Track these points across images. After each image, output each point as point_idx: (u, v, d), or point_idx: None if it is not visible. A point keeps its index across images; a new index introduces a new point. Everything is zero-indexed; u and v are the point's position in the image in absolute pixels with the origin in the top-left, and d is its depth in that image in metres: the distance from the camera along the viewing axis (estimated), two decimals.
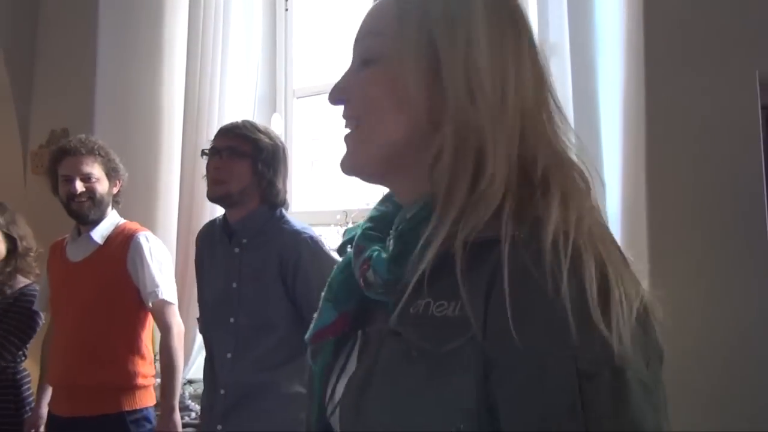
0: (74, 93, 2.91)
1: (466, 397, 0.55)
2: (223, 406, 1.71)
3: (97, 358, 2.03)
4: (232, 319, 1.73)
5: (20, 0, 3.01)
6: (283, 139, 3.01)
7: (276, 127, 3.00)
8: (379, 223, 0.71)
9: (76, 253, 2.15)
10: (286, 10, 3.21)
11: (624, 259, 0.60)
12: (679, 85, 1.62)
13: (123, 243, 2.11)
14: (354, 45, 0.71)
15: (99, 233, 2.13)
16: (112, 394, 2.04)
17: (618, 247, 0.60)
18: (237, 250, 1.76)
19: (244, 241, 1.76)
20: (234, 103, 2.88)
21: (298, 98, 3.20)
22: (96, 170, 2.13)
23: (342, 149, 0.71)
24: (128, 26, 2.90)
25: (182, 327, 2.16)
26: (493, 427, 0.54)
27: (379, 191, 0.79)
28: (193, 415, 2.42)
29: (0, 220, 2.38)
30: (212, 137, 1.91)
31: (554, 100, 0.67)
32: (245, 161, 1.72)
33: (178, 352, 2.09)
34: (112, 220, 2.17)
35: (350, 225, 2.58)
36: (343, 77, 0.70)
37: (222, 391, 1.72)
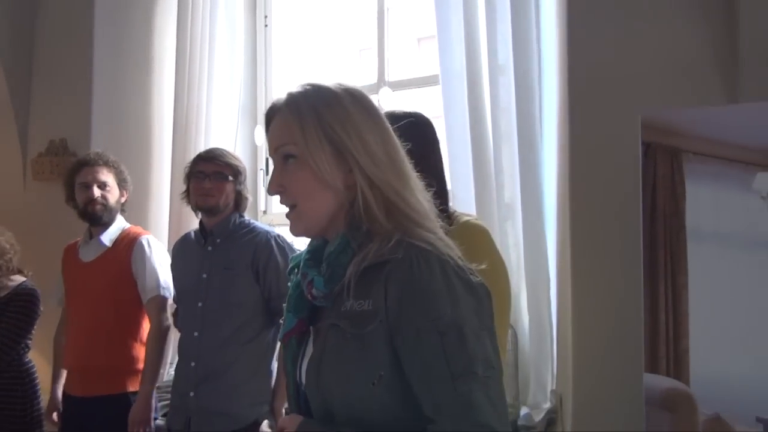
0: (71, 105, 3.14)
1: (382, 356, 0.90)
2: (194, 375, 2.08)
3: (106, 344, 2.33)
4: (200, 304, 2.12)
5: (17, 16, 3.22)
6: (260, 146, 3.36)
7: (259, 137, 3.32)
8: (314, 254, 1.03)
9: (87, 254, 2.45)
10: (266, 26, 3.49)
11: (461, 259, 0.93)
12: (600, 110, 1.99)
13: (128, 245, 2.42)
14: (273, 153, 1.01)
15: (108, 236, 2.43)
16: (119, 376, 2.33)
17: (457, 253, 0.94)
18: (210, 248, 2.16)
19: (218, 240, 2.16)
20: (219, 114, 3.16)
21: None
22: (110, 180, 2.43)
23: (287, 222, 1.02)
24: (122, 41, 3.15)
25: (170, 322, 2.42)
26: (400, 372, 0.90)
27: None
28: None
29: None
30: (195, 156, 2.30)
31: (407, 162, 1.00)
32: (229, 183, 2.15)
33: (163, 344, 2.37)
34: (119, 225, 2.47)
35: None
36: (275, 175, 1.00)
37: (192, 364, 2.10)
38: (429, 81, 2.91)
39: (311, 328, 1.02)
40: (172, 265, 2.32)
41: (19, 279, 2.62)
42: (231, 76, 3.21)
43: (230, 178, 2.16)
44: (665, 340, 1.53)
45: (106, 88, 3.11)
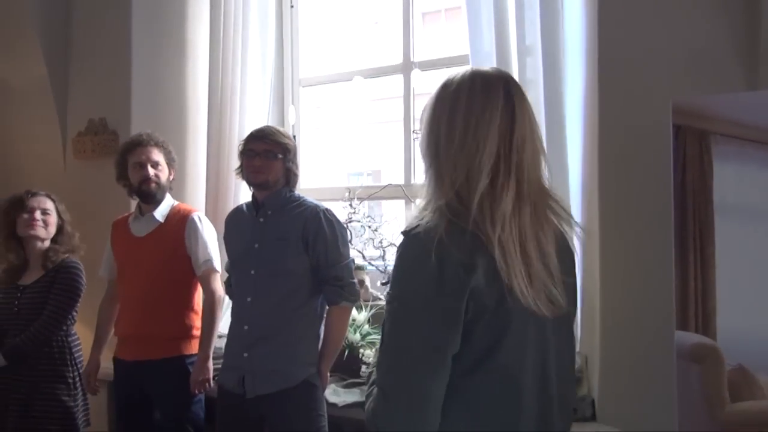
0: (110, 85, 3.25)
1: None
2: (247, 337, 2.23)
3: (161, 313, 2.51)
4: (252, 271, 2.26)
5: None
6: (293, 125, 3.50)
7: (291, 116, 3.45)
8: None
9: (140, 230, 2.61)
10: (292, 6, 3.60)
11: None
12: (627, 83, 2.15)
13: (180, 221, 2.58)
14: None
15: (160, 213, 2.59)
16: (174, 341, 2.52)
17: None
18: (262, 219, 2.30)
19: (269, 212, 2.30)
20: (252, 94, 3.29)
21: (303, 87, 3.64)
22: (161, 159, 2.59)
23: None
24: (157, 22, 3.24)
25: (222, 292, 2.60)
26: None
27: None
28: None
29: (60, 206, 2.78)
30: (248, 134, 2.37)
31: None
32: (278, 160, 2.27)
33: (218, 312, 2.56)
34: (168, 202, 2.63)
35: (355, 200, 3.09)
36: None
37: (246, 327, 2.24)
38: (458, 61, 3.05)
39: None
40: (225, 235, 2.46)
41: (63, 255, 2.75)
42: (263, 57, 3.33)
43: (279, 156, 2.26)
44: (694, 302, 1.72)
45: (144, 68, 3.21)
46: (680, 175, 1.79)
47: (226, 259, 2.55)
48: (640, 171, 2.06)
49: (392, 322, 1.08)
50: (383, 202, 3.53)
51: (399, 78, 3.29)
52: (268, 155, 2.26)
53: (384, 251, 3.16)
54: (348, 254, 2.30)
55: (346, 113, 4.77)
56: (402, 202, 3.28)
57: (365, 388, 1.19)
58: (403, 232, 1.09)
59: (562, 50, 2.52)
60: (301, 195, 2.39)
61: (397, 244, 1.11)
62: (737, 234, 1.73)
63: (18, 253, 2.71)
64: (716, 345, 1.71)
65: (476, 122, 1.08)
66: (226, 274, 2.51)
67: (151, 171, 2.55)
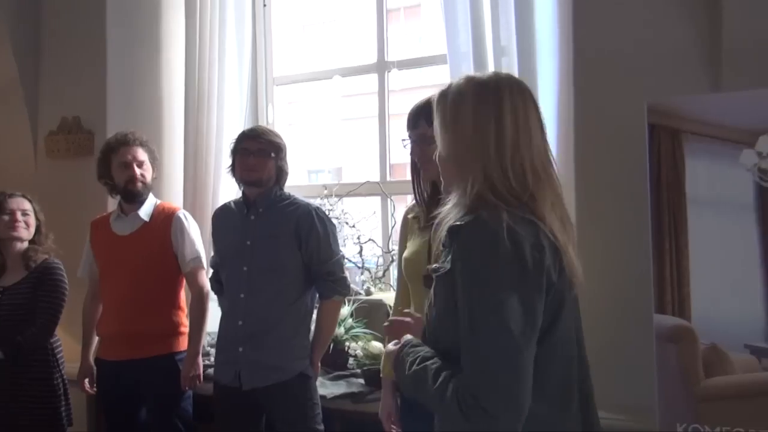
0: (84, 83, 3.21)
1: (450, 295, 1.18)
2: (242, 333, 2.27)
3: (149, 311, 2.52)
4: (245, 268, 2.30)
5: None
6: (271, 124, 3.53)
7: (270, 115, 3.49)
8: None
9: (123, 228, 2.60)
10: (264, 5, 3.63)
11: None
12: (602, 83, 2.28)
13: (166, 219, 2.59)
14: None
15: (145, 212, 2.59)
16: (163, 338, 2.54)
17: None
18: (253, 217, 2.34)
19: (261, 210, 2.34)
20: (230, 92, 3.29)
21: (277, 86, 3.68)
22: (146, 159, 2.59)
23: None
24: (132, 19, 3.22)
25: (209, 288, 2.63)
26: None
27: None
28: (211, 359, 2.94)
29: (36, 206, 2.75)
30: (239, 133, 2.41)
31: None
32: (271, 159, 2.32)
33: (206, 308, 2.59)
34: (152, 201, 2.64)
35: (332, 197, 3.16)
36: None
37: (240, 322, 2.29)
38: (434, 60, 3.14)
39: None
40: (213, 233, 2.50)
41: (43, 255, 2.72)
42: (240, 56, 3.35)
43: (272, 154, 2.32)
44: (670, 288, 1.87)
45: (119, 66, 3.19)
46: (655, 170, 1.93)
47: (211, 255, 2.58)
48: (617, 168, 2.20)
49: (481, 306, 1.12)
50: (350, 199, 3.56)
51: (371, 77, 3.36)
52: (261, 154, 2.30)
53: (362, 247, 3.25)
54: (339, 250, 2.37)
55: (317, 111, 4.82)
56: (378, 198, 3.36)
57: (409, 366, 1.22)
58: (460, 226, 1.16)
59: (535, 50, 2.64)
60: (291, 193, 2.44)
61: (452, 238, 1.17)
62: (708, 224, 1.88)
63: None
64: (691, 326, 1.86)
65: (523, 120, 1.21)
66: (212, 271, 2.55)
67: (138, 171, 2.56)
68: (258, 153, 2.30)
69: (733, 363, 1.83)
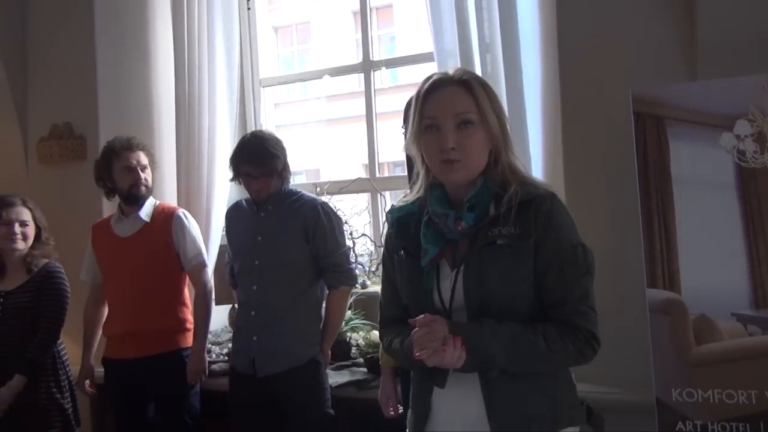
0: (73, 89, 3.23)
1: (530, 264, 1.30)
2: (255, 322, 2.37)
3: (155, 309, 2.57)
4: (256, 262, 2.39)
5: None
6: (255, 124, 3.59)
7: (261, 117, 3.53)
8: (441, 201, 1.39)
9: (124, 230, 2.65)
10: (249, 8, 3.69)
11: None
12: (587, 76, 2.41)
13: (166, 219, 2.64)
14: (445, 117, 1.34)
15: (145, 213, 2.64)
16: (170, 335, 2.59)
17: None
18: (263, 214, 2.43)
19: (270, 207, 2.43)
20: (219, 93, 3.34)
21: (264, 87, 3.74)
22: (147, 162, 2.64)
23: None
24: (120, 23, 3.20)
25: (212, 285, 2.71)
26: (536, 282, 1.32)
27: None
28: (213, 355, 3.00)
29: (36, 212, 2.76)
30: (238, 153, 2.43)
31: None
32: (275, 177, 2.40)
33: (210, 304, 2.66)
34: (151, 202, 2.69)
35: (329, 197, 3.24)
36: (450, 135, 1.33)
37: (252, 313, 2.38)
38: (421, 59, 3.25)
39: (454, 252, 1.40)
40: (226, 229, 2.58)
41: (44, 260, 2.73)
42: (228, 57, 3.39)
43: (275, 172, 2.38)
44: (661, 263, 2.01)
45: (108, 71, 3.18)
46: (642, 155, 2.06)
47: (214, 252, 2.64)
48: (606, 155, 2.34)
49: (586, 252, 1.34)
50: (339, 196, 3.63)
51: (352, 78, 3.43)
52: (264, 177, 2.37)
53: (354, 242, 3.33)
54: (344, 243, 2.46)
55: (302, 112, 4.89)
56: (366, 195, 3.45)
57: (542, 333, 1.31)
58: (553, 193, 1.35)
59: (519, 46, 2.76)
60: (298, 189, 2.52)
61: (547, 203, 1.34)
62: (694, 203, 2.02)
63: None
64: (681, 299, 2.00)
65: None
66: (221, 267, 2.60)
67: (142, 175, 2.61)
68: (261, 177, 2.37)
69: (721, 330, 1.98)
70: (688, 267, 2.00)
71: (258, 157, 2.36)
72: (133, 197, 2.62)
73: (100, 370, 2.73)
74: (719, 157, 1.98)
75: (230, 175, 2.47)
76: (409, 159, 1.97)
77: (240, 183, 2.44)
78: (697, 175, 2.02)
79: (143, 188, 2.61)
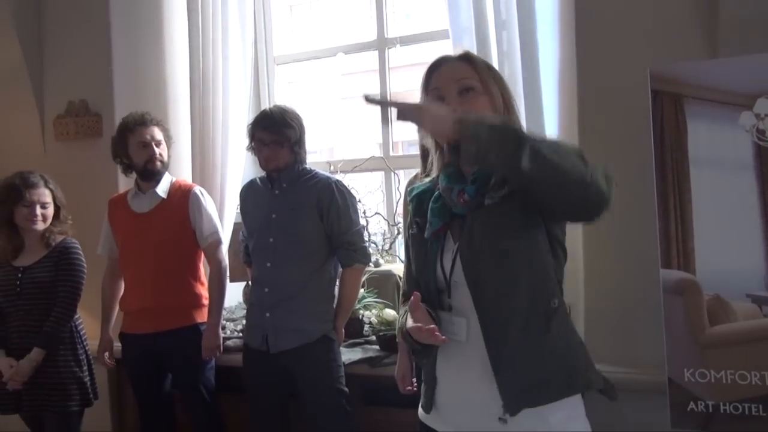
0: (89, 66, 3.25)
1: (519, 218, 1.31)
2: (269, 299, 2.40)
3: (171, 285, 2.62)
4: (271, 239, 2.42)
5: None
6: (268, 102, 3.59)
7: (275, 94, 3.53)
8: (452, 177, 1.40)
9: (141, 206, 2.68)
10: None
11: None
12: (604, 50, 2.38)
13: (183, 196, 2.67)
14: (448, 85, 1.37)
15: (162, 189, 2.67)
16: (187, 310, 2.64)
17: None
18: (277, 192, 2.45)
19: (284, 185, 2.45)
20: (232, 70, 3.34)
21: (278, 65, 3.73)
22: (162, 138, 2.66)
23: None
24: (136, 0, 3.22)
25: (227, 262, 2.73)
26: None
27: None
28: (227, 332, 3.04)
29: (57, 192, 2.79)
30: (255, 119, 2.47)
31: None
32: (286, 147, 2.40)
33: (225, 281, 2.69)
34: (168, 178, 2.71)
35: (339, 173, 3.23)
36: (452, 100, 1.35)
37: (266, 289, 2.41)
38: (436, 36, 3.22)
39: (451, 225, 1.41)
40: (241, 207, 2.61)
41: (61, 236, 2.77)
42: (242, 34, 3.38)
43: (286, 144, 2.39)
44: (676, 243, 2.00)
45: (123, 48, 3.20)
46: (659, 133, 2.04)
47: (228, 229, 2.65)
48: (622, 133, 2.30)
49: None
50: (352, 175, 3.63)
51: (367, 55, 3.41)
52: (275, 145, 2.38)
53: (367, 221, 3.34)
54: (358, 221, 2.47)
55: (316, 90, 4.88)
56: (380, 174, 3.45)
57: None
58: None
59: (535, 23, 2.73)
60: (312, 168, 2.53)
61: None
62: (710, 183, 2.00)
63: (12, 237, 2.73)
64: (696, 279, 1.99)
65: None
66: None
67: (156, 150, 2.62)
68: (272, 144, 2.39)
69: (735, 311, 1.96)
70: (703, 247, 1.99)
71: (272, 123, 2.38)
72: (149, 173, 2.64)
73: (117, 345, 2.78)
74: (738, 136, 1.95)
75: (246, 146, 2.50)
76: (423, 150, 1.96)
77: (254, 153, 2.44)
78: (715, 154, 1.99)
79: (158, 163, 2.63)
